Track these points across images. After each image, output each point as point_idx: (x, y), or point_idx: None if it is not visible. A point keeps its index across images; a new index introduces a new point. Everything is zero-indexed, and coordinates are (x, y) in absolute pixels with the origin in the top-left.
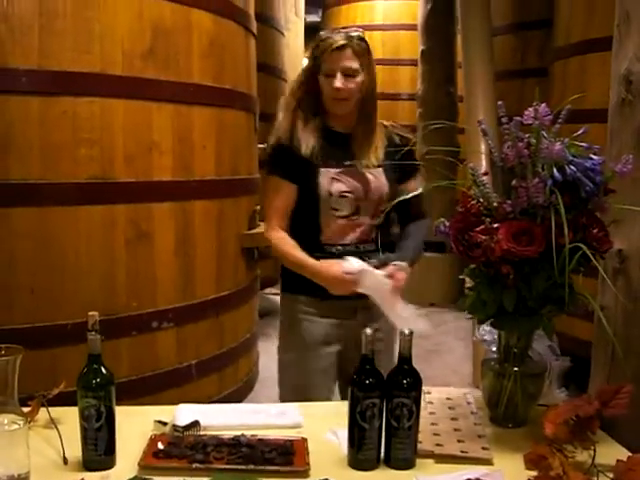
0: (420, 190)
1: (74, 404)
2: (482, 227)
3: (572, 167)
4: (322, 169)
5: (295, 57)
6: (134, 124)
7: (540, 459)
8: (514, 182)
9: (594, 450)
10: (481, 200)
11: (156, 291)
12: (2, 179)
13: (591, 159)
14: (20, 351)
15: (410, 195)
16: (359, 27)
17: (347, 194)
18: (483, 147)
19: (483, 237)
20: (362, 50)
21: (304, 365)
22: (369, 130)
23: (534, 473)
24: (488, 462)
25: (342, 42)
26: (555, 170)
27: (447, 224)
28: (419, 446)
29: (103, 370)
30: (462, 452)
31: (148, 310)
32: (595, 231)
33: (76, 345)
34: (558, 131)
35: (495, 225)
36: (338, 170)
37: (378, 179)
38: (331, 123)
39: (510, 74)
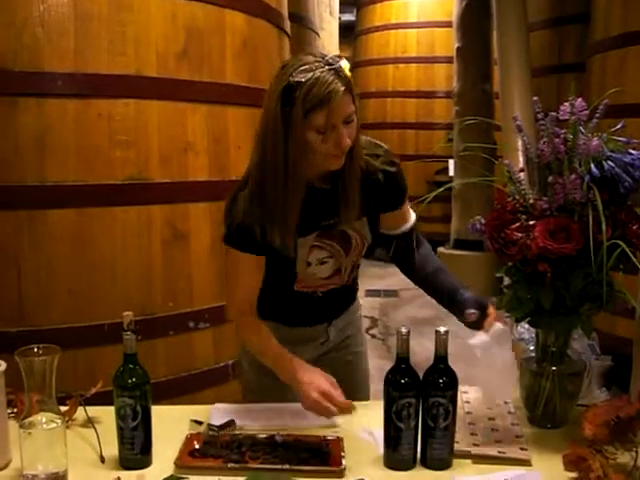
0: (414, 215)
1: (111, 403)
2: (518, 224)
3: (610, 162)
4: (300, 239)
5: None
6: (169, 125)
7: (580, 460)
8: (550, 178)
9: (636, 452)
10: (517, 197)
11: (192, 291)
12: (39, 181)
13: (630, 154)
14: (57, 351)
15: (410, 224)
16: (394, 26)
17: (327, 259)
18: (519, 144)
19: (519, 235)
20: (351, 82)
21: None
22: (354, 178)
23: (573, 475)
24: (526, 463)
25: (342, 87)
26: (593, 166)
27: (483, 222)
28: (456, 446)
29: (139, 370)
30: (500, 452)
31: (184, 310)
32: (635, 227)
33: (113, 345)
34: (596, 126)
35: (531, 222)
36: (316, 234)
37: (360, 233)
38: (310, 180)
39: (547, 70)
